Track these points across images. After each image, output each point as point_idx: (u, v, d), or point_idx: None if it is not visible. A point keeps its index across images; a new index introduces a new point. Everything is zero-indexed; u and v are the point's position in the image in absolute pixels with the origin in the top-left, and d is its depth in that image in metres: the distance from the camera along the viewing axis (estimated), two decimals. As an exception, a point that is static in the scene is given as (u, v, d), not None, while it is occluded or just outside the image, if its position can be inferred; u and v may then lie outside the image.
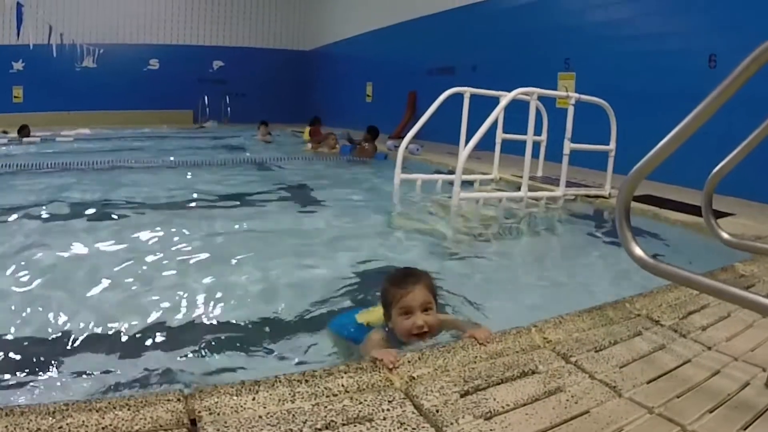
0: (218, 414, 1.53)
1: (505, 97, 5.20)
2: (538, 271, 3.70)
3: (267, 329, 2.59)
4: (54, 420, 1.41)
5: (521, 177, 5.43)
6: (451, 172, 5.83)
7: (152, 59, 17.37)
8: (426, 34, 12.16)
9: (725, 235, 2.72)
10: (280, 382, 1.67)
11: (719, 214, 4.44)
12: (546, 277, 3.52)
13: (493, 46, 9.87)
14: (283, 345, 2.43)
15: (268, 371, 2.14)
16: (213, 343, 2.40)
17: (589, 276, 3.52)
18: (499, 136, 6.17)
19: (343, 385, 1.66)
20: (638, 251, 2.00)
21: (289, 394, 1.61)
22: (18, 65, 15.54)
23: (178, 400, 1.56)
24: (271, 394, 1.61)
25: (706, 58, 5.83)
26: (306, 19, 19.10)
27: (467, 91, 5.97)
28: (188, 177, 7.39)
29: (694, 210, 4.36)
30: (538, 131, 6.04)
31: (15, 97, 15.81)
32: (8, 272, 3.12)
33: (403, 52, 13.32)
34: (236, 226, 4.56)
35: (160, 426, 1.45)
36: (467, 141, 5.19)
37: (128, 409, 1.50)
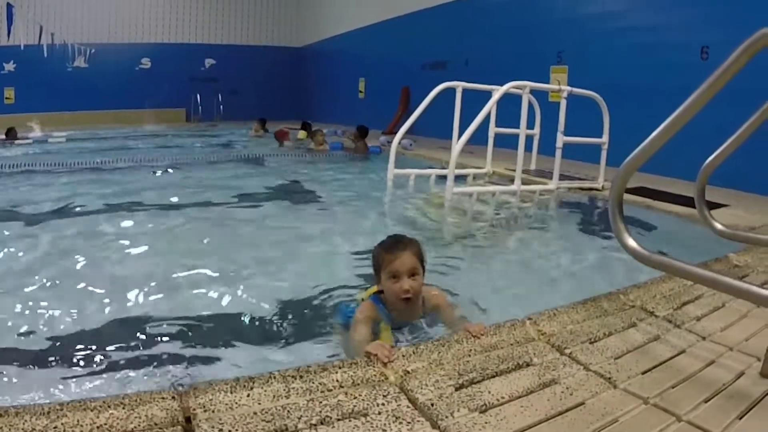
0: (213, 411, 1.51)
1: (498, 91, 5.18)
2: (532, 264, 3.69)
3: (261, 325, 2.57)
4: (48, 420, 1.40)
5: (514, 171, 5.42)
6: (445, 167, 5.81)
7: (144, 58, 17.22)
8: (418, 30, 12.10)
9: (719, 226, 2.72)
10: (274, 378, 1.66)
11: (713, 206, 4.44)
12: (541, 270, 3.52)
13: (485, 40, 9.84)
14: (278, 340, 2.42)
15: (263, 367, 2.13)
16: (208, 340, 2.38)
17: (584, 267, 3.52)
18: (492, 130, 6.14)
19: (337, 380, 1.65)
20: (632, 242, 2.00)
21: (284, 390, 1.60)
22: (9, 66, 15.38)
23: (173, 398, 1.55)
24: (265, 390, 1.60)
25: (698, 50, 5.82)
26: (298, 16, 19.00)
27: (460, 85, 5.96)
28: (180, 175, 7.33)
29: (688, 201, 4.35)
30: (531, 125, 6.03)
31: (6, 98, 15.66)
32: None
33: (395, 48, 13.25)
34: (226, 224, 4.53)
35: (155, 424, 1.44)
36: (460, 135, 5.17)
37: (123, 408, 1.49)
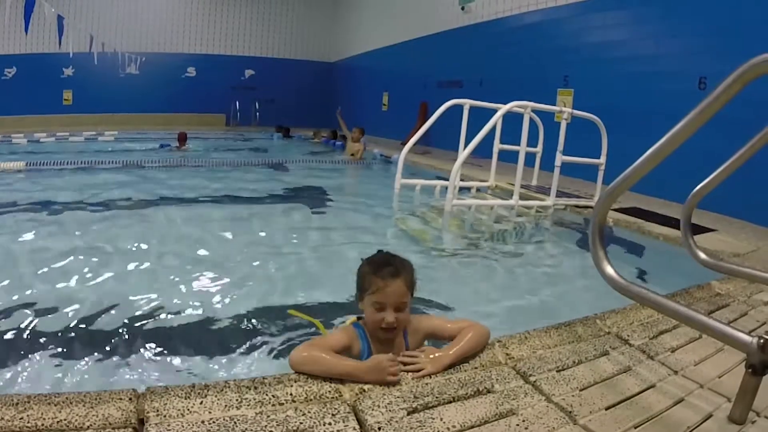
0: (165, 416, 1.38)
1: (500, 110, 4.97)
2: (520, 280, 3.46)
3: (246, 331, 2.39)
4: (16, 411, 1.33)
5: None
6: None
7: (189, 67, 17.27)
8: (437, 50, 11.94)
9: (702, 256, 2.47)
10: (229, 387, 1.50)
11: (701, 230, 4.16)
12: (528, 287, 3.28)
13: (498, 62, 9.62)
14: (261, 347, 2.24)
15: (238, 372, 1.98)
16: (192, 340, 2.22)
17: (572, 286, 3.27)
18: (497, 146, 5.92)
19: (291, 394, 1.48)
20: (610, 271, 1.80)
21: (237, 400, 1.45)
22: (68, 71, 15.52)
23: (130, 399, 1.43)
24: (219, 399, 1.46)
25: (696, 80, 5.51)
26: (331, 34, 18.95)
27: (467, 103, 5.77)
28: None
29: (679, 224, 4.07)
30: (534, 143, 5.79)
31: (65, 100, 15.82)
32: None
33: (416, 66, 13.10)
34: (222, 225, 4.31)
35: (110, 424, 1.34)
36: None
37: (83, 405, 1.39)
